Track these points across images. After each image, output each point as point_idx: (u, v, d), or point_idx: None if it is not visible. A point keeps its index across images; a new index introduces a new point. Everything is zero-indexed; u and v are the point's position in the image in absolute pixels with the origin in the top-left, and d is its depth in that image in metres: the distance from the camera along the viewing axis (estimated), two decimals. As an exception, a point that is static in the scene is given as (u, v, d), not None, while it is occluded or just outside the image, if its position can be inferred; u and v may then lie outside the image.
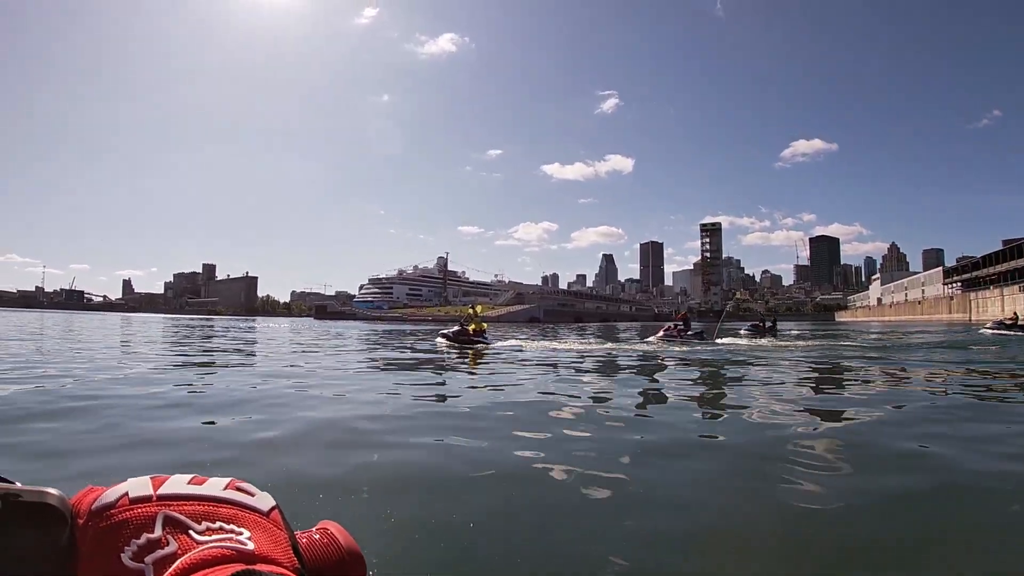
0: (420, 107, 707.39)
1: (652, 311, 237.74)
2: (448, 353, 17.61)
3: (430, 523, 3.18)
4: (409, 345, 22.17)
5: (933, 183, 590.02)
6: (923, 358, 14.97)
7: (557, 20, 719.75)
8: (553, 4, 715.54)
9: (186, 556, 0.53)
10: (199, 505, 0.61)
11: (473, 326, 22.23)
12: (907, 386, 9.49)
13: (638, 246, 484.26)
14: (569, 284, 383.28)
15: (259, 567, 0.54)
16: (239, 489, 0.66)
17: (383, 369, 12.38)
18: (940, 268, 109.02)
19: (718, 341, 24.69)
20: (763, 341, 25.36)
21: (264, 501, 0.66)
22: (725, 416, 6.71)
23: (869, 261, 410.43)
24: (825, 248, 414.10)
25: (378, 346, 21.44)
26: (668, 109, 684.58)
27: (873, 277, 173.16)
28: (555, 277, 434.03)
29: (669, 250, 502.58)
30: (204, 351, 16.90)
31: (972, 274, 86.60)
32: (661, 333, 26.33)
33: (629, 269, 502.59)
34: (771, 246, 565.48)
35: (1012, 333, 26.67)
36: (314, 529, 0.73)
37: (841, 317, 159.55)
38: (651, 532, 3.11)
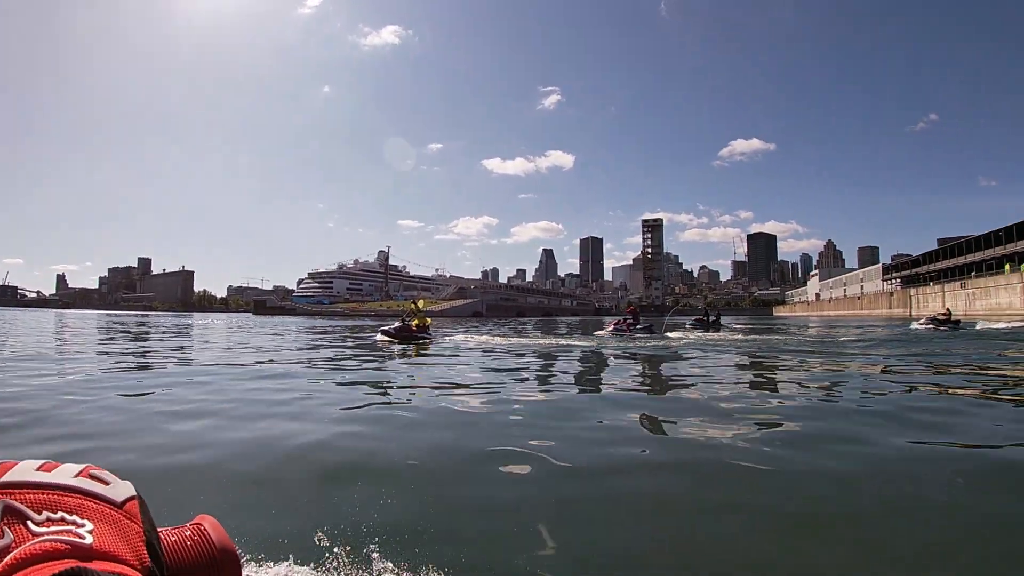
0: (361, 100, 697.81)
1: (593, 306, 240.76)
2: (389, 350, 17.64)
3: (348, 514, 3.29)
4: (350, 342, 22.00)
5: (869, 183, 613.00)
6: (860, 352, 15.79)
7: (501, 16, 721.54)
8: (498, 0, 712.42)
9: (18, 550, 0.49)
10: (43, 494, 0.56)
11: (416, 321, 22.20)
12: (843, 380, 10.09)
13: (578, 241, 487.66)
14: (509, 279, 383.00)
15: (94, 565, 0.50)
16: (92, 477, 0.61)
17: (318, 366, 12.42)
18: (879, 265, 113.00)
19: (667, 335, 25.46)
20: (708, 335, 26.43)
21: (119, 491, 0.60)
22: (674, 409, 7.17)
23: (805, 258, 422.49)
24: (763, 245, 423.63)
25: (317, 343, 21.33)
26: (610, 107, 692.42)
27: (811, 273, 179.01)
28: (495, 272, 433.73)
29: (608, 245, 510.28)
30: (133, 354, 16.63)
31: (912, 271, 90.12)
32: (611, 328, 26.63)
33: (569, 264, 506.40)
34: (709, 242, 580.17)
35: (944, 328, 27.46)
36: (187, 524, 0.67)
37: (779, 312, 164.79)
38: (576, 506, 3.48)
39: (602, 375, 11.20)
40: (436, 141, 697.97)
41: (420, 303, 23.68)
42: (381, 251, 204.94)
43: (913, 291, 77.40)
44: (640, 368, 12.12)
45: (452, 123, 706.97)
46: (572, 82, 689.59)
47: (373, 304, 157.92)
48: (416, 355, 15.23)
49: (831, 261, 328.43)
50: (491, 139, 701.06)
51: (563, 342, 21.53)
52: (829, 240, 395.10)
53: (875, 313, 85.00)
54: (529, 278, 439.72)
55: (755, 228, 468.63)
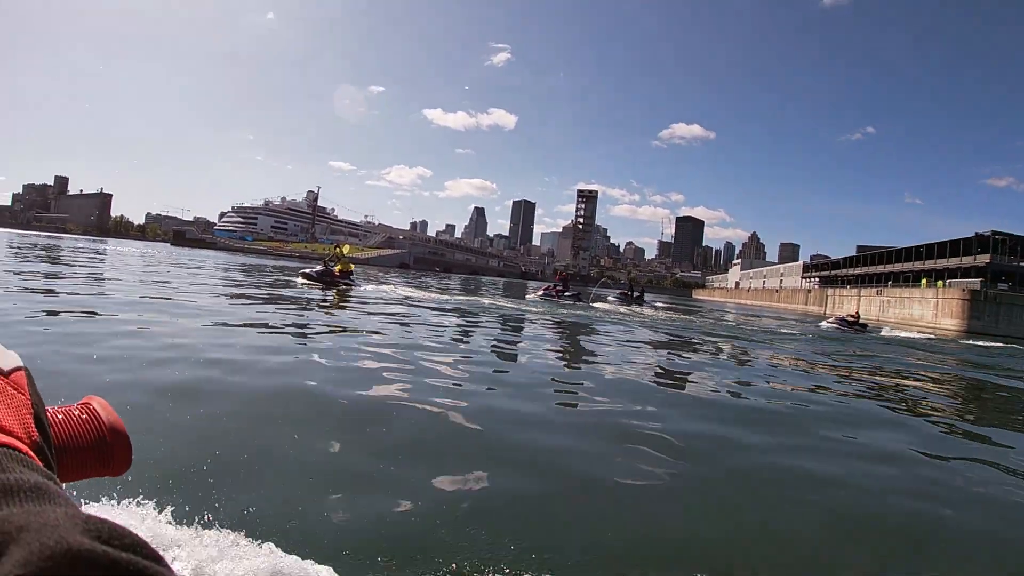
0: (305, 30, 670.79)
1: (519, 269, 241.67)
2: (308, 292, 17.25)
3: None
4: (270, 281, 21.51)
5: (800, 183, 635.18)
6: (767, 342, 16.56)
7: None
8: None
9: None
10: None
11: (339, 266, 21.73)
12: (749, 365, 10.43)
13: (510, 203, 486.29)
14: (438, 232, 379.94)
15: None
16: None
17: (236, 306, 11.93)
18: (801, 262, 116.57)
19: (593, 305, 26.08)
20: (630, 308, 26.94)
21: (6, 360, 0.57)
22: (587, 371, 7.16)
23: (729, 246, 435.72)
24: (690, 228, 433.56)
25: (238, 281, 20.62)
26: (558, 72, 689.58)
27: (733, 261, 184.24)
28: (424, 224, 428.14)
29: (540, 211, 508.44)
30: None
31: (831, 272, 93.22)
32: (541, 292, 27.80)
33: (499, 225, 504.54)
34: (638, 220, 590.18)
35: (851, 330, 28.26)
36: (76, 404, 0.65)
37: (698, 295, 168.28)
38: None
39: (522, 343, 11.14)
40: (378, 84, 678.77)
41: (345, 248, 22.99)
42: (310, 191, 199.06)
43: (830, 291, 79.18)
44: (561, 337, 12.15)
45: (397, 66, 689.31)
46: (524, 42, 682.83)
47: (297, 245, 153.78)
48: (337, 303, 14.81)
49: (753, 252, 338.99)
50: (435, 88, 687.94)
51: (489, 302, 21.62)
52: (754, 232, 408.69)
53: (791, 308, 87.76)
54: (458, 234, 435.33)
55: (685, 211, 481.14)
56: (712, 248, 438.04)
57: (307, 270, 22.06)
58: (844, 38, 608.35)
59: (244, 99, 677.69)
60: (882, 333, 29.80)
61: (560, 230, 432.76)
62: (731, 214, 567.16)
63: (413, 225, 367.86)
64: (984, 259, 56.63)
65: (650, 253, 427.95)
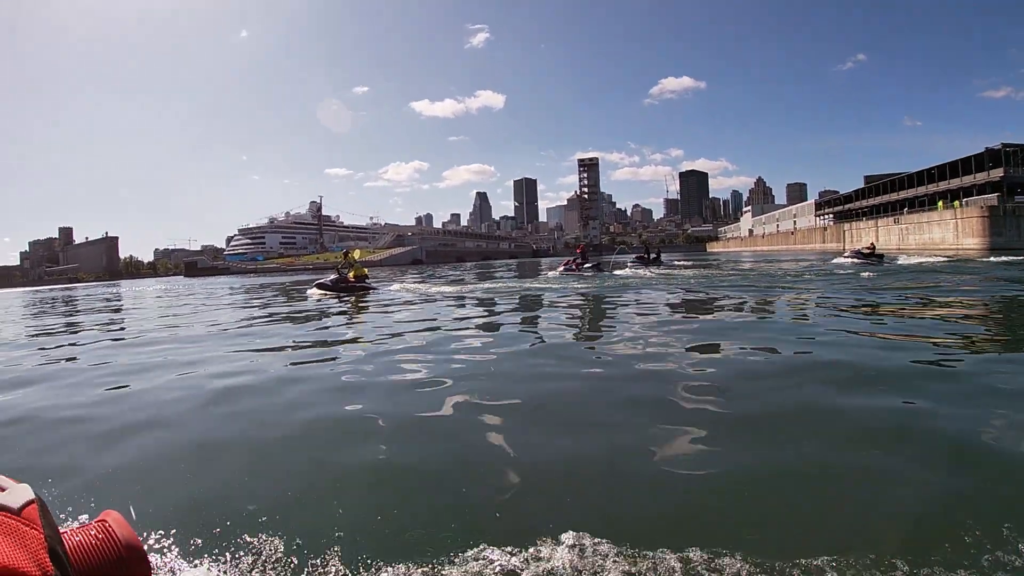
0: (280, 43, 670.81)
1: (531, 247, 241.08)
2: (324, 303, 17.17)
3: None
4: (284, 298, 21.56)
5: (797, 121, 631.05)
6: (790, 286, 16.38)
7: None
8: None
9: None
10: None
11: (353, 272, 21.53)
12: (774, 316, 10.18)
13: (511, 183, 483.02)
14: (444, 224, 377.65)
15: None
16: None
17: (252, 328, 11.84)
18: (812, 201, 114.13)
19: (615, 273, 25.90)
20: (651, 271, 26.62)
21: (17, 496, 0.57)
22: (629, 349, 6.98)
23: (736, 195, 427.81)
24: (694, 182, 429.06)
25: (253, 302, 20.59)
26: (539, 45, 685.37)
27: (744, 209, 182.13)
28: (429, 217, 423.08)
29: (542, 186, 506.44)
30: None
31: (844, 207, 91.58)
32: (561, 268, 27.62)
33: (503, 206, 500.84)
34: (640, 181, 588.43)
35: (869, 262, 27.61)
36: (92, 523, 0.65)
37: (712, 248, 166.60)
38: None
39: (548, 322, 10.93)
40: (361, 84, 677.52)
41: (356, 253, 22.89)
42: (312, 202, 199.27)
43: (847, 226, 78.24)
44: (591, 314, 11.95)
45: (378, 65, 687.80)
46: (500, 19, 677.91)
47: (309, 257, 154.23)
48: (356, 310, 14.70)
49: (761, 198, 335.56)
50: (419, 80, 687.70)
51: (507, 285, 21.46)
52: (759, 177, 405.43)
53: (808, 248, 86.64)
54: (464, 222, 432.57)
55: (686, 166, 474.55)
56: (719, 199, 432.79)
57: (321, 280, 21.91)
58: None
59: (232, 122, 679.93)
60: (898, 262, 29.15)
61: (565, 203, 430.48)
62: (733, 162, 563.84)
63: (418, 220, 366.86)
64: (998, 173, 55.12)
65: (658, 213, 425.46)
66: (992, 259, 29.98)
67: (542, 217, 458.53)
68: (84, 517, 2.94)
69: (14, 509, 0.56)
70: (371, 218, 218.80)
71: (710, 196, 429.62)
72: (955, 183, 61.68)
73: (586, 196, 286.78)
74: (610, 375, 5.84)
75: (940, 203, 59.52)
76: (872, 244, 32.19)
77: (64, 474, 3.63)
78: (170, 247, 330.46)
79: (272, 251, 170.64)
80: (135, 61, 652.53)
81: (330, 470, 3.55)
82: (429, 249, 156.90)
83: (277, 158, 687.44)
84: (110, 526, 0.65)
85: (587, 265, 27.22)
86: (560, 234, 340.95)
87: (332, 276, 21.73)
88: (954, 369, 5.57)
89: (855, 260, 28.64)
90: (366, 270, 22.67)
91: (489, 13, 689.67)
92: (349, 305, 16.02)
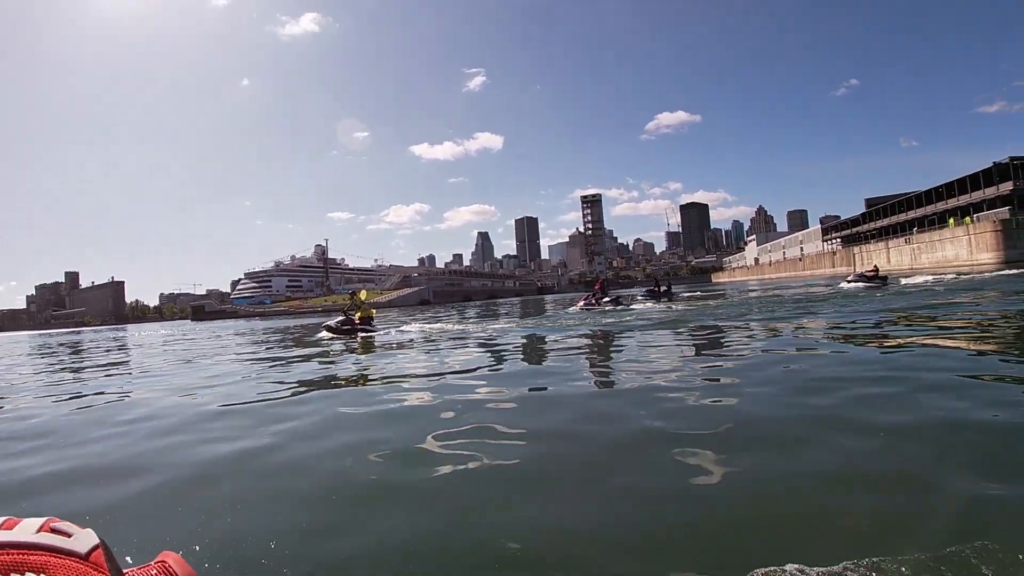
0: (282, 91, 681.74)
1: (536, 285, 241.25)
2: (332, 346, 16.53)
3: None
4: (294, 340, 21.09)
5: (794, 148, 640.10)
6: (803, 311, 16.06)
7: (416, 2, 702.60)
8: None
9: None
10: (7, 554, 0.54)
11: (359, 314, 20.91)
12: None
13: (512, 222, 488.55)
14: (447, 264, 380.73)
15: None
16: (54, 531, 0.59)
17: (263, 371, 11.12)
18: (819, 226, 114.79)
19: (632, 307, 25.36)
20: (662, 304, 26.59)
21: (83, 541, 0.58)
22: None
23: (737, 224, 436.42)
24: (695, 214, 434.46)
25: (264, 344, 19.93)
26: (535, 85, 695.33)
27: (748, 238, 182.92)
28: (431, 258, 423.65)
29: (543, 224, 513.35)
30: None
31: (852, 230, 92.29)
32: (582, 303, 27.38)
33: (504, 245, 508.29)
34: (640, 215, 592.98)
35: (872, 284, 27.84)
36: (152, 563, 0.66)
37: (718, 278, 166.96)
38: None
39: (569, 364, 10.18)
40: (362, 130, 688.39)
41: (362, 294, 22.20)
42: (318, 245, 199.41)
43: (856, 249, 78.86)
44: (615, 353, 11.20)
45: (377, 110, 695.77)
46: (497, 62, 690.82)
47: (317, 300, 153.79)
48: (362, 351, 13.98)
49: (763, 226, 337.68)
50: (418, 124, 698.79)
51: (529, 323, 20.82)
52: (760, 206, 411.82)
53: (818, 273, 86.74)
54: (466, 262, 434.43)
55: (685, 199, 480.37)
56: (721, 230, 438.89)
57: (329, 323, 21.32)
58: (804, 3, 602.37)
59: (236, 168, 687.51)
60: (903, 283, 28.67)
61: (567, 240, 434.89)
62: (732, 192, 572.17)
63: (421, 261, 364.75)
64: (1007, 187, 55.21)
65: (659, 246, 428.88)
66: (1005, 271, 29.63)
67: (544, 254, 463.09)
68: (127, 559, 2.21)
69: (82, 554, 0.57)
70: (376, 260, 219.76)
71: (711, 227, 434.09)
72: (964, 199, 62.03)
73: (590, 232, 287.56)
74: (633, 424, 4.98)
75: (951, 220, 59.98)
76: (876, 267, 32.74)
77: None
78: (175, 291, 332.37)
79: (279, 294, 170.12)
80: (140, 108, 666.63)
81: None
82: (436, 289, 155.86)
83: (280, 203, 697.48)
84: (170, 567, 0.66)
85: (606, 299, 27.07)
86: (564, 271, 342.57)
87: (339, 318, 21.10)
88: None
89: (859, 284, 28.43)
90: (373, 311, 22.01)
91: (485, 56, 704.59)
92: (356, 347, 15.35)
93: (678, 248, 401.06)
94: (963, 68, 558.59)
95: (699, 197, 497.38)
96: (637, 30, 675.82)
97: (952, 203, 64.04)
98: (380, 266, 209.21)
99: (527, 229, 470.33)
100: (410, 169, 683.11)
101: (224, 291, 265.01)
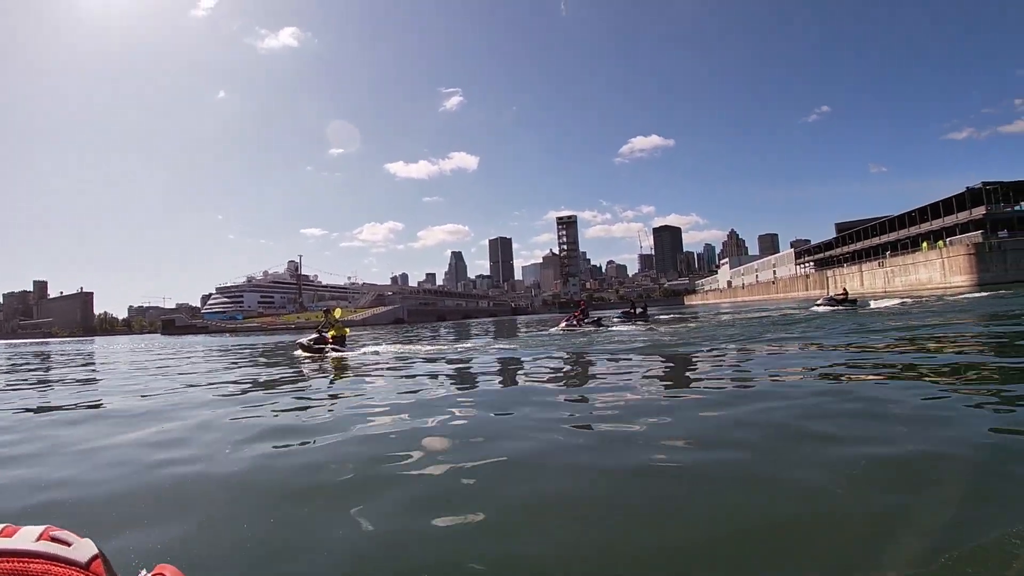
0: (259, 105, 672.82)
1: (510, 306, 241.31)
2: (305, 364, 15.83)
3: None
4: (268, 359, 20.01)
5: (765, 174, 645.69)
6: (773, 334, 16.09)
7: (401, 17, 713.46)
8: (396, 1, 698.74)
9: None
10: (7, 562, 0.54)
11: (332, 332, 20.02)
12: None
13: (486, 242, 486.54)
14: (420, 283, 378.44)
15: None
16: (54, 539, 0.58)
17: (232, 393, 10.26)
18: (792, 250, 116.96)
19: (611, 328, 25.29)
20: (637, 325, 26.55)
21: (83, 551, 0.58)
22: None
23: (708, 248, 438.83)
24: (668, 237, 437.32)
25: (237, 362, 18.93)
26: (511, 106, 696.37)
27: (721, 262, 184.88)
28: (404, 277, 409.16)
29: (516, 245, 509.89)
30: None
31: (825, 254, 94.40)
32: (564, 324, 27.61)
33: (478, 265, 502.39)
34: (613, 238, 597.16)
35: (842, 308, 28.32)
36: (148, 575, 0.66)
37: (691, 301, 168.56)
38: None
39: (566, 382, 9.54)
40: (336, 146, 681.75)
41: (336, 312, 21.32)
42: (291, 261, 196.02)
43: (830, 272, 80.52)
44: (594, 376, 10.58)
45: (353, 127, 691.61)
46: (473, 82, 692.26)
47: (289, 317, 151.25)
48: (336, 372, 13.16)
49: (735, 249, 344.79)
50: (393, 142, 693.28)
51: (506, 345, 19.92)
52: (732, 229, 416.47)
53: (791, 296, 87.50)
54: (439, 281, 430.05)
55: (658, 222, 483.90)
56: (694, 253, 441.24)
57: (303, 340, 20.35)
58: (780, 28, 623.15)
59: (209, 180, 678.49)
60: (871, 305, 29.30)
61: (540, 261, 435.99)
62: (704, 216, 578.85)
63: (394, 280, 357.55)
64: (980, 211, 56.83)
65: (632, 268, 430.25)
66: (977, 294, 30.63)
67: (518, 275, 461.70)
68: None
69: (82, 564, 0.57)
70: (349, 277, 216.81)
71: (684, 250, 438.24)
72: (937, 224, 63.54)
73: (565, 254, 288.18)
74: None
75: (925, 244, 61.40)
76: (845, 289, 33.26)
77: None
78: (144, 304, 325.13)
79: (250, 310, 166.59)
80: (114, 117, 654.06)
81: None
82: (410, 308, 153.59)
83: (253, 218, 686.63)
84: None
85: (587, 320, 27.71)
86: (537, 291, 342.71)
87: (313, 335, 20.15)
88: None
89: (829, 307, 28.96)
90: (347, 330, 21.18)
91: (462, 77, 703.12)
92: (329, 367, 14.53)
93: (650, 270, 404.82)
94: (933, 97, 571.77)
95: (671, 220, 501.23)
96: (613, 54, 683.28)
97: (925, 227, 65.49)
98: (353, 284, 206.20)
99: (501, 249, 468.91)
100: (384, 187, 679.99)
101: (194, 305, 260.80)
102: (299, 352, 19.68)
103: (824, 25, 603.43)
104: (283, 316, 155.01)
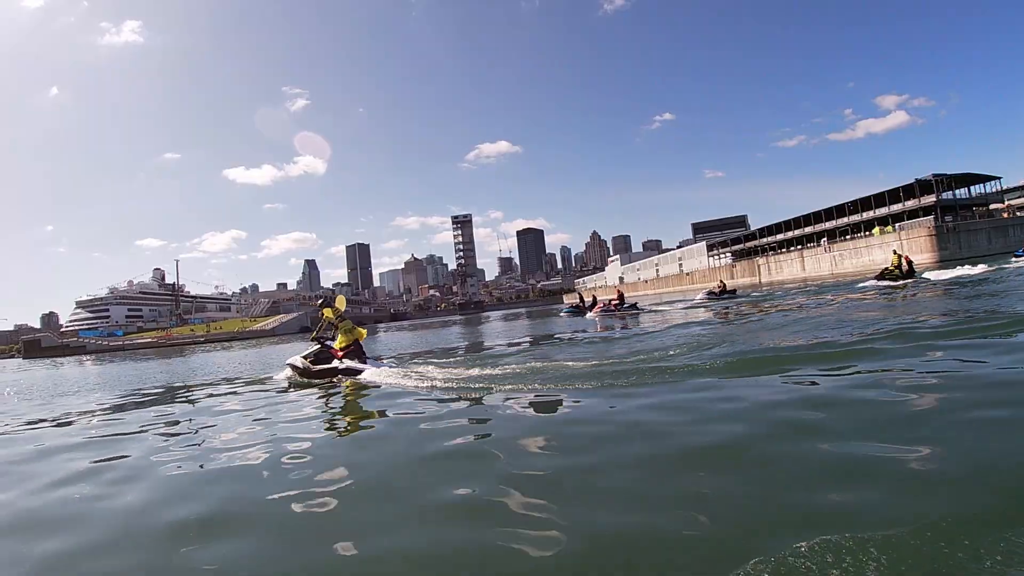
0: (93, 105, 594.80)
1: (389, 311, 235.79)
2: (320, 403, 9.19)
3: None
4: (243, 387, 12.81)
5: (611, 178, 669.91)
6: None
7: (246, 15, 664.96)
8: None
9: None
10: None
11: (342, 337, 12.20)
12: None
13: (335, 250, 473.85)
14: (272, 293, 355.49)
15: None
16: None
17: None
18: (704, 243, 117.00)
19: (651, 310, 29.08)
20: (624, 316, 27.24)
21: None
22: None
23: (565, 250, 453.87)
24: (531, 240, 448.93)
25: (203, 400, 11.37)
26: (358, 108, 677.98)
27: (611, 259, 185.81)
28: (255, 287, 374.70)
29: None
30: None
31: (744, 244, 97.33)
32: (599, 309, 30.67)
33: (327, 275, 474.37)
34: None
35: (723, 297, 30.87)
36: None
37: (569, 300, 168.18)
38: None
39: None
40: (172, 150, 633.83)
41: (340, 302, 13.43)
42: (157, 269, 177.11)
43: (761, 260, 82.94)
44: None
45: (191, 130, 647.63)
46: (319, 85, 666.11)
47: (183, 329, 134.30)
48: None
49: (597, 250, 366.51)
50: (234, 146, 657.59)
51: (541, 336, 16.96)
52: (594, 231, 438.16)
53: (711, 286, 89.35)
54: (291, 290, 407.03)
55: (505, 227, 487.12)
56: (555, 255, 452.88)
57: (296, 360, 12.54)
58: (625, 39, 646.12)
59: (37, 189, 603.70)
60: (753, 294, 32.54)
61: (402, 266, 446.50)
62: (550, 220, 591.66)
63: (243, 290, 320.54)
64: (930, 199, 63.21)
65: (491, 271, 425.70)
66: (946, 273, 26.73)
67: (376, 282, 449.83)
68: None
69: None
70: (216, 286, 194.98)
71: (547, 252, 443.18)
72: (881, 212, 68.83)
73: (462, 253, 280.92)
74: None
75: (877, 229, 65.02)
76: (722, 282, 35.40)
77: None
78: None
79: (118, 324, 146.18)
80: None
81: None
82: (312, 316, 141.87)
83: (85, 230, 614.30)
84: None
85: (624, 306, 30.04)
86: (409, 296, 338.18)
87: (312, 348, 12.49)
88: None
89: (707, 298, 31.03)
90: (364, 331, 12.87)
91: (306, 78, 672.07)
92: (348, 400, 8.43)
93: (511, 272, 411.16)
94: (768, 106, 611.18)
95: (518, 225, 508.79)
96: (460, 59, 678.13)
97: (868, 215, 70.16)
98: (222, 294, 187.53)
99: (359, 256, 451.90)
100: (224, 194, 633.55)
101: (32, 325, 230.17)
102: (288, 375, 12.55)
103: (671, 34, 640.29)
104: (173, 330, 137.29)
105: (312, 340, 12.78)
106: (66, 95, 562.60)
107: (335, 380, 11.28)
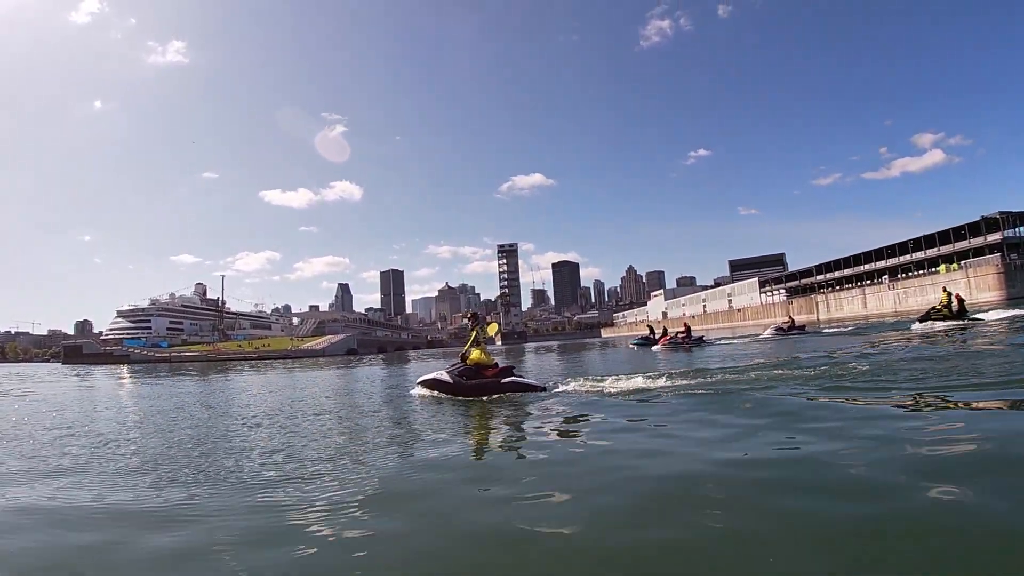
0: (136, 120, 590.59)
1: (425, 338, 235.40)
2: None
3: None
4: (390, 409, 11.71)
5: (645, 214, 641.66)
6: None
7: (288, 41, 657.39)
8: (285, 21, 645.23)
9: None
10: None
11: (477, 354, 12.01)
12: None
13: (367, 275, 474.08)
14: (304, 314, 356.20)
15: None
16: None
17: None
18: (756, 279, 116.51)
19: (716, 344, 29.77)
20: (692, 350, 27.30)
21: None
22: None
23: (598, 283, 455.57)
24: (567, 272, 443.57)
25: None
26: (395, 136, 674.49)
27: (654, 294, 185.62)
28: (287, 308, 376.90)
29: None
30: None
31: (800, 281, 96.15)
32: (666, 340, 30.73)
33: (359, 299, 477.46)
34: (491, 274, 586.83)
35: (792, 333, 31.64)
36: None
37: (607, 333, 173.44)
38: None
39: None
40: (211, 169, 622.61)
41: (492, 328, 13.47)
42: (198, 284, 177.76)
43: (820, 297, 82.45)
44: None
45: (229, 149, 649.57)
46: (357, 111, 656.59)
47: (230, 344, 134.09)
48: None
49: (633, 285, 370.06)
50: (271, 168, 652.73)
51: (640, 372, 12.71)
52: (630, 266, 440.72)
53: (767, 322, 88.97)
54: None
55: (536, 259, 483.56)
56: (589, 288, 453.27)
57: (429, 377, 12.31)
58: (662, 74, 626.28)
59: (77, 197, 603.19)
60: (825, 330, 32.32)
61: (436, 294, 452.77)
62: (582, 255, 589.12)
63: (276, 310, 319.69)
64: (995, 237, 61.95)
65: (524, 303, 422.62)
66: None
67: (408, 308, 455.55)
68: None
69: None
70: (256, 305, 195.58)
71: (581, 285, 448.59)
72: (946, 249, 67.91)
73: (506, 283, 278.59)
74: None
75: (943, 266, 65.27)
76: (791, 318, 35.69)
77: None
78: (11, 329, 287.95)
79: (158, 336, 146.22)
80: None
81: None
82: (359, 338, 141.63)
83: (122, 241, 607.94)
84: None
85: (692, 339, 30.42)
86: (443, 324, 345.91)
87: (454, 364, 12.26)
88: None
89: (776, 334, 31.40)
90: (493, 359, 12.50)
91: (344, 104, 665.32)
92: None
93: (544, 304, 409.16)
94: (804, 147, 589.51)
95: (550, 257, 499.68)
96: (498, 91, 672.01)
97: (932, 253, 69.24)
98: (261, 312, 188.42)
99: (392, 282, 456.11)
100: (260, 215, 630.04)
101: (67, 332, 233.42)
102: (422, 391, 12.21)
103: (707, 75, 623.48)
104: (222, 344, 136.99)
105: (459, 357, 12.36)
106: (110, 108, 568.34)
107: (496, 396, 11.09)
